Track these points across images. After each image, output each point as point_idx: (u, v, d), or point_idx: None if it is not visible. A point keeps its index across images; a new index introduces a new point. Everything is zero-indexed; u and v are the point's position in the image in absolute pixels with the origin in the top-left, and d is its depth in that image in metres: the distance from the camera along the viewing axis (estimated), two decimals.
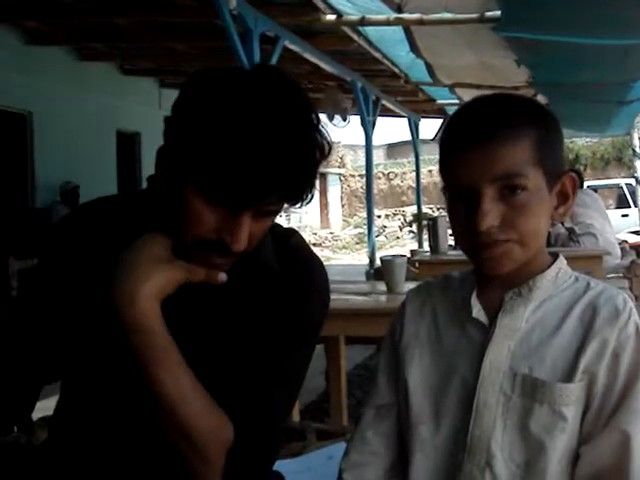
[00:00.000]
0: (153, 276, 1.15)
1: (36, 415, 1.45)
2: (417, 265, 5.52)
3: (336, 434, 2.20)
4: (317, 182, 1.21)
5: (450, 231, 7.31)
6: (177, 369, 1.16)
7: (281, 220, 1.39)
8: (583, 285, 1.23)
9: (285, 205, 1.19)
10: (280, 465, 1.45)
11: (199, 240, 1.17)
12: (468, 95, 10.81)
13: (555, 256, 1.26)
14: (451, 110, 13.62)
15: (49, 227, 1.43)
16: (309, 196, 1.19)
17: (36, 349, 1.34)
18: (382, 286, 3.51)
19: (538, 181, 1.16)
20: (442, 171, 1.23)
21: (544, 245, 1.25)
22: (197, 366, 1.21)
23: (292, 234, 1.37)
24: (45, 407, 1.54)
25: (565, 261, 1.26)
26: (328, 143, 1.19)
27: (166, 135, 1.20)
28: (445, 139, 1.21)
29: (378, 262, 7.35)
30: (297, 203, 1.19)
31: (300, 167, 1.13)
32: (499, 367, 1.18)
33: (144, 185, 1.36)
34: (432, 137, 16.15)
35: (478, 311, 1.23)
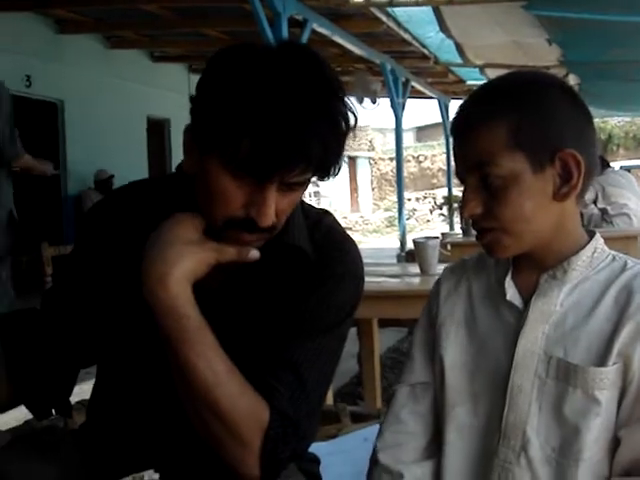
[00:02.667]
0: (184, 258, 1.15)
1: (74, 399, 1.46)
2: (449, 247, 5.50)
3: (370, 417, 2.21)
4: (344, 157, 1.20)
5: None
6: (210, 352, 1.16)
7: (313, 204, 1.38)
8: (620, 265, 1.20)
9: (311, 177, 1.18)
10: (315, 447, 1.45)
11: (228, 218, 1.16)
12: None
13: (591, 234, 1.24)
14: None
15: (82, 213, 1.44)
16: (335, 168, 1.19)
17: (73, 333, 1.35)
18: (414, 268, 3.49)
19: (517, 166, 1.14)
20: None
21: (573, 225, 1.22)
22: (231, 348, 1.20)
23: (325, 215, 1.36)
24: (83, 391, 1.56)
25: (602, 240, 1.23)
26: (354, 115, 1.18)
27: (192, 113, 1.20)
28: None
29: (409, 245, 7.34)
30: (323, 175, 1.18)
31: (323, 135, 1.12)
32: (533, 351, 1.17)
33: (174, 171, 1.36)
34: None
35: (512, 294, 1.22)
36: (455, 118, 1.21)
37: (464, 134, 1.18)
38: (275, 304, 1.28)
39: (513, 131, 1.14)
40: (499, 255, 1.21)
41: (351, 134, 1.19)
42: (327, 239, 1.31)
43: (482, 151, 1.15)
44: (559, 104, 1.16)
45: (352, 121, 1.18)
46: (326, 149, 1.14)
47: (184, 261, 1.15)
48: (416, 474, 1.25)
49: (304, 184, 1.18)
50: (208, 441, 1.19)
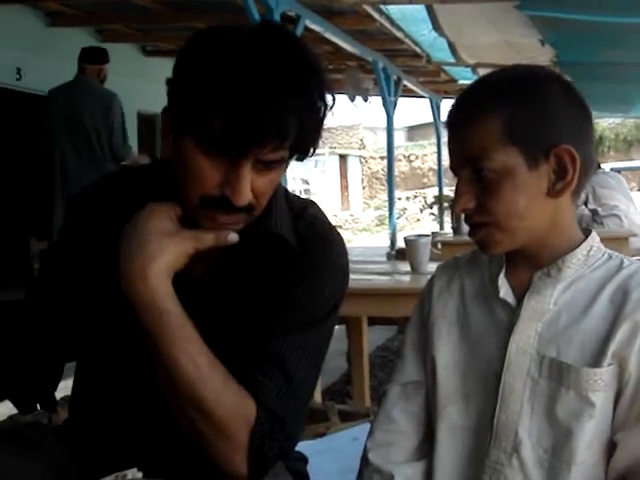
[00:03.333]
0: (162, 251, 1.13)
1: (59, 394, 1.44)
2: (439, 246, 5.50)
3: (359, 415, 2.19)
4: (322, 136, 1.19)
5: None
6: (192, 346, 1.14)
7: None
8: (616, 264, 1.18)
9: (288, 157, 1.16)
10: (303, 446, 1.44)
11: (203, 197, 1.14)
12: None
13: (587, 232, 1.22)
14: None
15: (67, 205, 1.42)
16: (312, 147, 1.17)
17: (57, 325, 1.33)
18: (404, 266, 3.48)
19: (510, 160, 1.12)
20: None
21: (567, 222, 1.20)
22: (215, 341, 1.19)
23: (310, 205, 1.35)
24: (68, 386, 1.54)
25: (598, 238, 1.21)
26: (331, 93, 1.17)
27: (168, 95, 1.18)
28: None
29: (399, 244, 7.34)
30: (300, 154, 1.17)
31: (298, 110, 1.11)
32: (526, 350, 1.16)
33: None
34: None
35: (505, 291, 1.20)
36: (450, 111, 1.20)
37: (458, 127, 1.17)
38: (259, 295, 1.25)
39: (507, 125, 1.12)
40: (491, 251, 1.19)
41: (329, 114, 1.17)
42: (311, 230, 1.29)
43: (476, 145, 1.13)
44: (556, 99, 1.15)
45: (330, 101, 1.16)
46: (302, 125, 1.12)
47: (163, 254, 1.13)
48: (407, 474, 1.23)
49: (280, 163, 1.16)
50: (194, 438, 1.17)
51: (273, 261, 1.26)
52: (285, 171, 1.22)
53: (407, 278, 3.34)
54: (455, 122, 1.18)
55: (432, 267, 3.05)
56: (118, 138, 5.74)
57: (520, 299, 1.19)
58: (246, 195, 1.13)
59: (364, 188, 28.25)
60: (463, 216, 1.19)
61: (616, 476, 1.11)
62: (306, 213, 1.31)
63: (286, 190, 1.33)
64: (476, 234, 1.18)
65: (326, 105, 1.16)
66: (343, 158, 26.43)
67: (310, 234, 1.28)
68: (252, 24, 1.20)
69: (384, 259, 8.16)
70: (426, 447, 1.26)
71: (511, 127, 1.12)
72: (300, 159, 1.20)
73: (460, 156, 1.17)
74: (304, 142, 1.15)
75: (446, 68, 11.17)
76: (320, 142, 1.18)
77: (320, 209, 1.37)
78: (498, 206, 1.13)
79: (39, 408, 1.41)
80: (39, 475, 1.26)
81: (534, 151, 1.13)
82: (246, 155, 1.11)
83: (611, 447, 1.12)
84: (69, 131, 5.64)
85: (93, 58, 5.97)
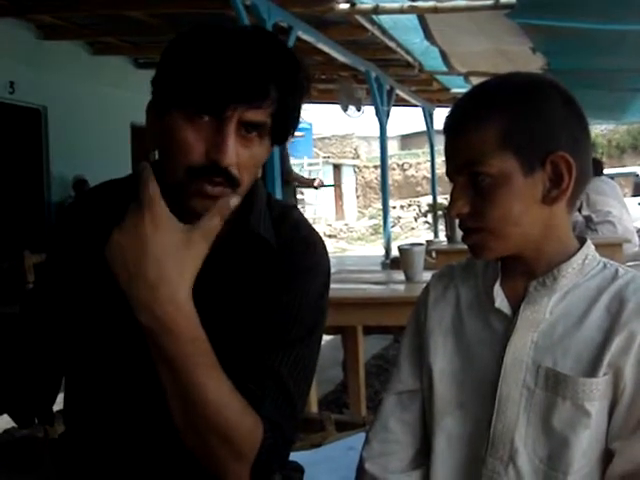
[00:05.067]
0: (185, 270, 1.04)
1: (57, 407, 1.43)
2: (434, 255, 5.50)
3: (356, 425, 2.18)
4: (301, 120, 1.23)
5: None
6: (217, 373, 1.10)
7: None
8: (611, 272, 1.18)
9: (269, 126, 1.17)
10: (300, 456, 1.43)
11: (189, 168, 1.15)
12: None
13: (582, 241, 1.22)
14: None
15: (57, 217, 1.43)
16: (290, 124, 1.20)
17: (53, 339, 1.33)
18: (399, 275, 3.48)
19: (506, 167, 1.12)
20: None
21: (563, 231, 1.20)
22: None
23: (291, 209, 1.35)
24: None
25: (593, 247, 1.21)
26: (308, 82, 1.21)
27: (152, 86, 1.23)
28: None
29: (394, 252, 7.34)
30: (278, 127, 1.18)
31: (276, 74, 1.15)
32: (522, 360, 1.15)
33: None
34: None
35: (501, 301, 1.20)
36: (448, 117, 1.20)
37: (456, 133, 1.17)
38: (244, 302, 1.25)
39: (504, 132, 1.12)
40: (484, 256, 1.19)
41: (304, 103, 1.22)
42: (294, 233, 1.30)
43: (473, 150, 1.14)
44: (553, 107, 1.15)
45: (303, 67, 1.20)
46: (282, 92, 1.16)
47: (187, 273, 1.04)
48: None
49: (262, 130, 1.17)
50: (203, 458, 1.15)
51: (256, 264, 1.26)
52: (267, 153, 1.23)
53: (402, 287, 3.34)
54: (453, 128, 1.18)
55: (427, 276, 3.06)
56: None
57: (515, 309, 1.18)
58: (231, 155, 1.14)
59: (358, 197, 28.28)
60: (457, 222, 1.20)
61: None
62: (288, 217, 1.32)
63: (269, 194, 1.34)
64: (469, 239, 1.18)
65: (305, 89, 1.20)
66: (337, 168, 26.45)
67: (292, 237, 1.29)
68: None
69: (379, 268, 8.16)
70: (422, 457, 1.25)
71: (508, 134, 1.12)
72: (279, 140, 1.21)
73: (457, 161, 1.17)
74: (284, 114, 1.17)
75: (438, 77, 11.20)
76: (298, 121, 1.21)
77: (301, 213, 1.38)
78: (493, 212, 1.14)
79: (37, 422, 1.41)
80: None
81: (530, 158, 1.13)
82: (228, 109, 1.13)
83: (606, 456, 1.12)
84: None
85: None
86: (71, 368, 1.36)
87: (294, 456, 1.38)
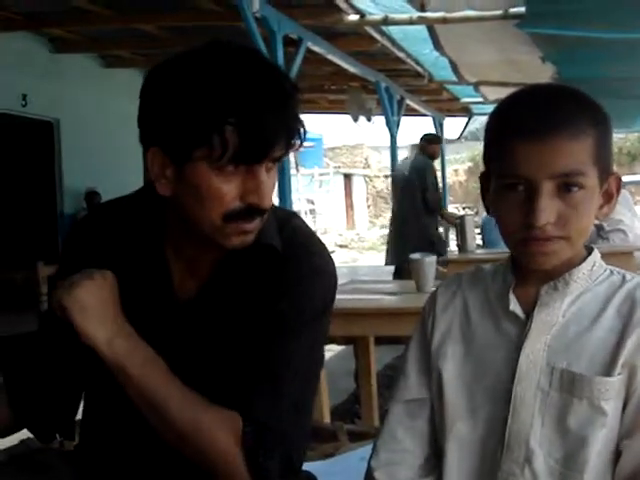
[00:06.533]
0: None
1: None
2: (445, 265, 5.50)
3: (368, 435, 2.19)
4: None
5: (478, 230, 7.30)
6: (165, 377, 1.21)
7: (308, 221, 1.39)
8: (619, 278, 1.20)
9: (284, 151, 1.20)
10: (312, 467, 1.44)
11: (225, 214, 1.17)
12: (493, 93, 10.75)
13: (589, 249, 1.24)
14: (476, 108, 13.55)
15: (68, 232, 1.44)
16: (304, 138, 1.21)
17: (71, 354, 1.33)
18: (410, 285, 3.49)
19: (594, 180, 1.14)
20: (491, 159, 1.20)
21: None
22: (205, 362, 1.23)
23: (293, 216, 1.37)
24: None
25: (599, 255, 1.23)
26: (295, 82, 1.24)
27: (154, 128, 1.20)
28: (500, 126, 1.18)
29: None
30: (294, 145, 1.20)
31: (296, 106, 1.17)
32: (536, 362, 1.17)
33: None
34: (457, 136, 16.08)
35: (514, 305, 1.21)
36: (526, 117, 1.13)
37: (546, 137, 1.11)
38: (247, 310, 1.27)
39: (595, 146, 1.13)
40: (551, 264, 1.16)
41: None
42: (294, 240, 1.31)
43: (572, 159, 1.12)
44: (612, 130, 1.20)
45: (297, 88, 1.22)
46: (297, 118, 1.18)
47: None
48: None
49: (282, 158, 1.20)
50: (193, 461, 1.21)
51: (261, 273, 1.28)
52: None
53: (413, 297, 3.34)
54: (545, 133, 1.11)
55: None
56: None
57: (528, 313, 1.20)
58: (270, 196, 1.17)
59: (369, 207, 28.27)
60: (540, 229, 1.13)
61: None
62: (290, 223, 1.33)
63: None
64: (548, 246, 1.14)
65: (299, 92, 1.22)
66: (348, 177, 26.48)
67: (292, 243, 1.30)
68: (200, 47, 1.22)
69: (390, 278, 8.16)
70: (431, 465, 1.26)
71: (597, 148, 1.14)
72: (292, 149, 1.23)
73: (548, 168, 1.12)
74: (298, 132, 1.20)
75: (448, 87, 11.21)
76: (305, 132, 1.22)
77: (303, 220, 1.39)
78: (580, 221, 1.15)
79: (58, 437, 1.42)
80: None
81: (605, 174, 1.17)
82: (264, 159, 1.14)
83: (617, 455, 1.13)
84: None
85: None
86: (88, 383, 1.38)
87: (307, 466, 1.39)
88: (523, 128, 1.12)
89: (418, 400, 1.28)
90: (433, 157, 7.97)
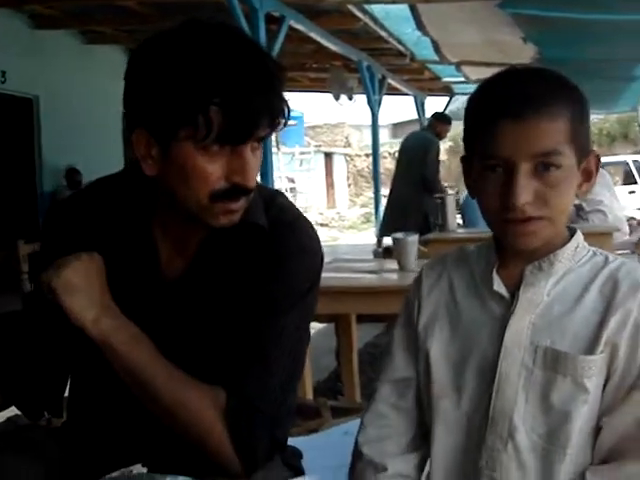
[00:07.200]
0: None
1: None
2: (426, 244, 5.52)
3: (351, 410, 2.22)
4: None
5: (458, 209, 7.33)
6: (149, 353, 1.23)
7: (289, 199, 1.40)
8: (601, 259, 1.23)
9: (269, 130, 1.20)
10: (297, 442, 1.47)
11: (212, 194, 1.18)
12: (475, 73, 10.76)
13: (572, 231, 1.26)
14: (458, 88, 13.57)
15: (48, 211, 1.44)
16: (288, 117, 1.22)
17: (58, 333, 1.34)
18: (391, 264, 3.51)
19: (571, 159, 1.16)
20: (472, 140, 1.21)
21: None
22: (193, 340, 1.25)
23: (279, 195, 1.38)
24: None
25: (582, 236, 1.25)
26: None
27: (140, 108, 1.19)
28: (479, 108, 1.19)
29: (386, 241, 7.38)
30: (279, 125, 1.21)
31: (281, 86, 1.18)
32: (520, 340, 1.19)
33: None
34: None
35: (499, 285, 1.23)
36: (504, 99, 1.15)
37: (528, 120, 1.12)
38: (234, 288, 1.28)
39: (571, 125, 1.15)
40: (535, 244, 1.18)
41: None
42: (280, 217, 1.32)
43: (549, 140, 1.13)
44: (589, 110, 1.21)
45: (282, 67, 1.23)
46: (282, 98, 1.18)
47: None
48: (400, 467, 1.27)
49: (266, 138, 1.21)
50: (170, 425, 1.24)
51: (248, 252, 1.29)
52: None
53: (395, 276, 3.37)
54: (523, 114, 1.12)
55: (420, 265, 3.08)
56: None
57: (512, 292, 1.22)
58: (255, 176, 1.19)
59: (350, 186, 28.24)
60: (520, 209, 1.14)
61: (598, 461, 1.16)
62: (275, 202, 1.34)
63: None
64: (529, 226, 1.16)
65: (284, 72, 1.23)
66: (328, 156, 26.41)
67: (278, 222, 1.31)
68: (182, 25, 1.21)
69: (371, 257, 8.19)
70: (419, 441, 1.29)
71: (573, 127, 1.15)
72: (276, 128, 1.23)
73: (526, 149, 1.13)
74: (283, 111, 1.20)
75: (430, 66, 11.22)
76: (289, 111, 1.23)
77: (288, 198, 1.41)
78: (559, 201, 1.16)
79: (46, 415, 1.43)
80: (42, 475, 1.28)
81: (582, 153, 1.18)
82: (249, 139, 1.15)
83: (596, 432, 1.17)
84: None
85: None
86: (75, 361, 1.39)
87: (292, 441, 1.42)
88: (502, 110, 1.14)
89: (405, 379, 1.31)
90: (440, 136, 7.80)
